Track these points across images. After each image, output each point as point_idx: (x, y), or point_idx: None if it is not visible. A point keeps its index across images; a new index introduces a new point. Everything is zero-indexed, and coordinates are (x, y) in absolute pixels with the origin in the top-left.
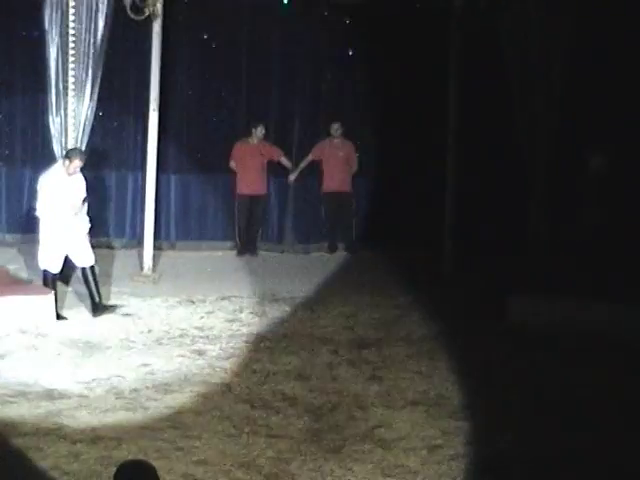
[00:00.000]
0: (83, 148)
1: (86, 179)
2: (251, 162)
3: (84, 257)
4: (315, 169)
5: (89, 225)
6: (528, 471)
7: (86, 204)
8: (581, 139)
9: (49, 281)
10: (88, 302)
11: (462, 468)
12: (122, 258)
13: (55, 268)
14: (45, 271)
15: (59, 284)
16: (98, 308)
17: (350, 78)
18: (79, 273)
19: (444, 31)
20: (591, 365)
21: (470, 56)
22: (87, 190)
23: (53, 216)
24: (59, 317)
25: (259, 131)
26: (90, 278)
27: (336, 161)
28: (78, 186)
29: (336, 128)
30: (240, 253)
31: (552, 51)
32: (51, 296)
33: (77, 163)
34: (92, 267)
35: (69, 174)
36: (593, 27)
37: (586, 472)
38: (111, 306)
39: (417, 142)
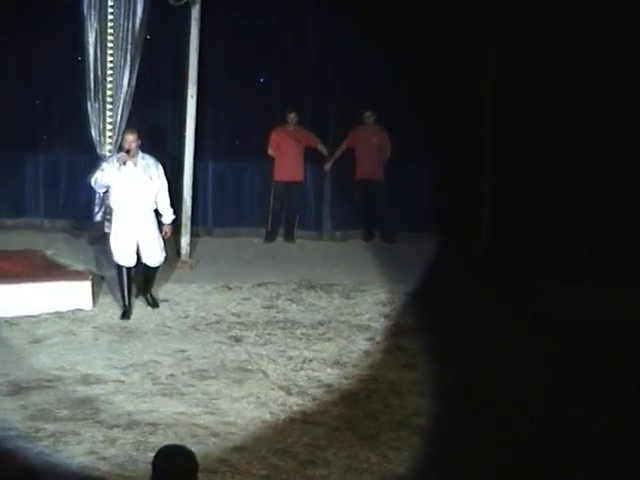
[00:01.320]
0: (121, 134)
1: (165, 170)
2: (288, 149)
3: (151, 256)
4: (350, 156)
5: (171, 218)
6: (564, 460)
7: (165, 197)
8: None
9: (119, 274)
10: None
11: (499, 455)
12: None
13: (125, 261)
14: (117, 264)
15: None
16: (147, 299)
17: (386, 66)
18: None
19: (482, 20)
20: (623, 351)
21: (509, 40)
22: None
23: (118, 206)
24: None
25: (291, 118)
26: (151, 275)
27: (369, 148)
28: (148, 173)
29: (369, 115)
30: (267, 240)
31: (585, 52)
32: (88, 281)
33: (129, 138)
34: (157, 267)
35: (128, 158)
36: (627, 29)
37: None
38: (155, 303)
39: (453, 130)
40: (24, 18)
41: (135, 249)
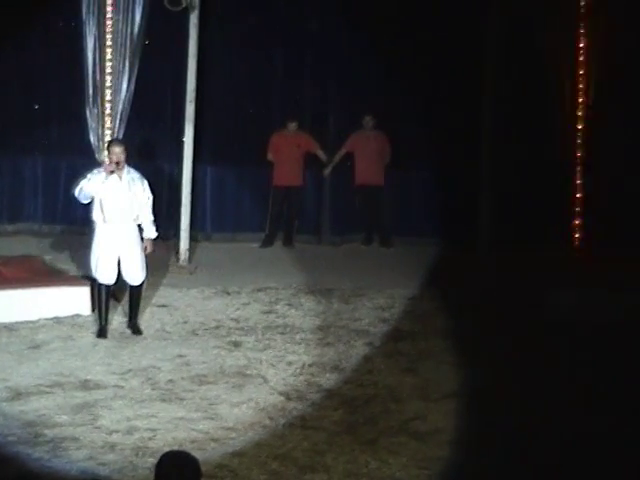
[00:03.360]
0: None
1: (151, 186)
2: (287, 153)
3: (132, 274)
4: (350, 160)
5: (154, 234)
6: (566, 464)
7: (148, 213)
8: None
9: (98, 292)
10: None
11: (498, 461)
12: (158, 249)
13: (104, 278)
14: (95, 280)
15: None
16: (131, 326)
17: (384, 70)
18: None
19: (481, 22)
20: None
21: (507, 47)
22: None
23: (100, 220)
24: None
25: (292, 127)
26: (133, 297)
27: (369, 153)
28: (133, 189)
29: (368, 120)
30: (265, 244)
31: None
32: (87, 287)
33: (116, 150)
34: (139, 286)
35: (113, 168)
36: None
37: (624, 461)
38: (139, 331)
39: (452, 135)
40: (23, 24)
41: (116, 266)
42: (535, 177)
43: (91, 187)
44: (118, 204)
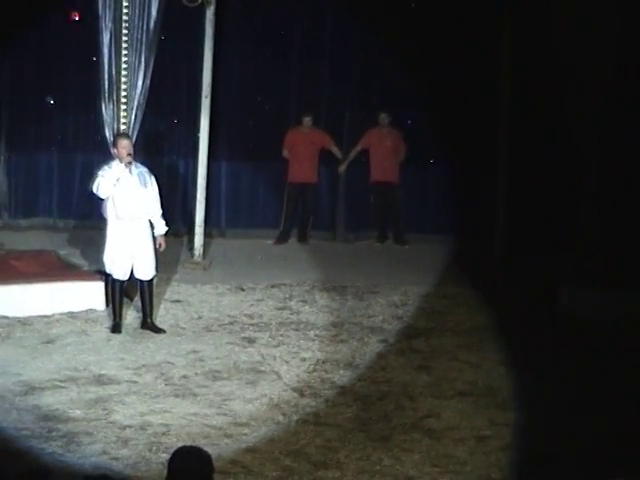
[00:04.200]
0: (135, 134)
1: (158, 182)
2: (302, 150)
3: (144, 269)
4: (365, 157)
5: (164, 229)
6: (576, 462)
7: (157, 207)
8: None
9: (112, 288)
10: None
11: (510, 459)
12: (172, 244)
13: (119, 274)
14: (109, 276)
15: None
16: (146, 326)
17: (400, 67)
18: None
19: (497, 21)
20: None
21: (523, 43)
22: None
23: (113, 216)
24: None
25: (307, 121)
26: (146, 293)
27: (384, 150)
28: (143, 183)
29: (383, 117)
30: (279, 241)
31: (604, 49)
32: (101, 282)
33: (124, 143)
34: (150, 281)
35: (121, 163)
36: None
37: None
38: (160, 329)
39: (468, 132)
40: (40, 19)
41: (130, 262)
42: (553, 175)
43: (108, 182)
44: (130, 199)
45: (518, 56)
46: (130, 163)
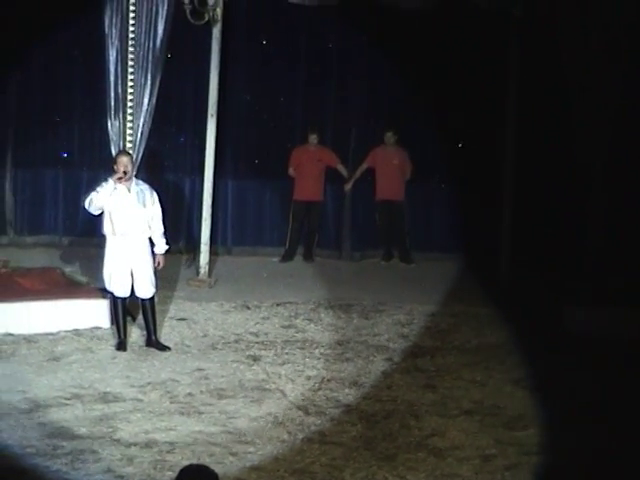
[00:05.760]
0: (141, 152)
1: (160, 198)
2: (309, 168)
3: (143, 287)
4: (371, 176)
5: (164, 248)
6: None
7: (159, 225)
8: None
9: (114, 306)
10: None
11: (516, 478)
12: (178, 262)
13: (118, 291)
14: (110, 294)
15: None
16: (151, 343)
17: (406, 85)
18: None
19: (503, 38)
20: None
21: (529, 63)
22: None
23: (110, 233)
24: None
25: (313, 139)
26: (148, 311)
27: (390, 169)
28: (142, 201)
29: (389, 136)
30: (285, 259)
31: (612, 60)
32: (106, 299)
33: (124, 160)
34: (151, 299)
35: (120, 180)
36: None
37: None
38: (165, 346)
39: (473, 151)
40: (46, 37)
41: (129, 279)
42: (559, 193)
43: (100, 198)
44: (127, 217)
45: (525, 73)
46: (120, 179)
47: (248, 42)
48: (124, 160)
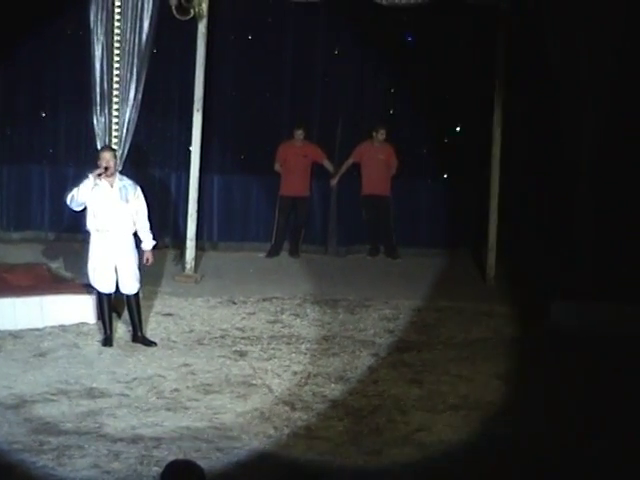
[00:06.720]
0: (127, 147)
1: (145, 196)
2: (294, 163)
3: (128, 283)
4: (357, 171)
5: (151, 244)
6: (572, 476)
7: (144, 221)
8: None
9: (99, 301)
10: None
11: (503, 473)
12: (164, 257)
13: (103, 287)
14: (96, 290)
15: None
16: (137, 339)
17: (393, 80)
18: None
19: (490, 32)
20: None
21: (516, 58)
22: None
23: (94, 229)
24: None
25: (298, 134)
26: (133, 307)
27: (376, 164)
28: (125, 197)
29: (382, 133)
30: (270, 254)
31: (600, 53)
32: (92, 295)
33: (106, 156)
34: (136, 295)
35: (103, 175)
36: None
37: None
38: (151, 342)
39: (460, 145)
40: (31, 33)
41: (114, 275)
42: (546, 188)
43: (81, 194)
44: (110, 212)
45: (513, 70)
46: (100, 175)
47: (234, 37)
48: (106, 156)
